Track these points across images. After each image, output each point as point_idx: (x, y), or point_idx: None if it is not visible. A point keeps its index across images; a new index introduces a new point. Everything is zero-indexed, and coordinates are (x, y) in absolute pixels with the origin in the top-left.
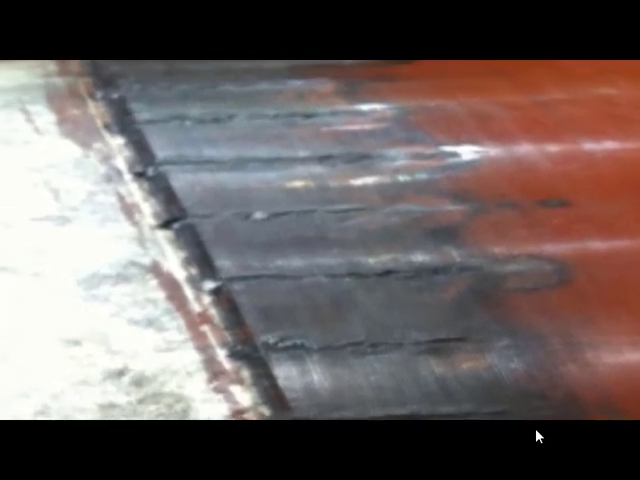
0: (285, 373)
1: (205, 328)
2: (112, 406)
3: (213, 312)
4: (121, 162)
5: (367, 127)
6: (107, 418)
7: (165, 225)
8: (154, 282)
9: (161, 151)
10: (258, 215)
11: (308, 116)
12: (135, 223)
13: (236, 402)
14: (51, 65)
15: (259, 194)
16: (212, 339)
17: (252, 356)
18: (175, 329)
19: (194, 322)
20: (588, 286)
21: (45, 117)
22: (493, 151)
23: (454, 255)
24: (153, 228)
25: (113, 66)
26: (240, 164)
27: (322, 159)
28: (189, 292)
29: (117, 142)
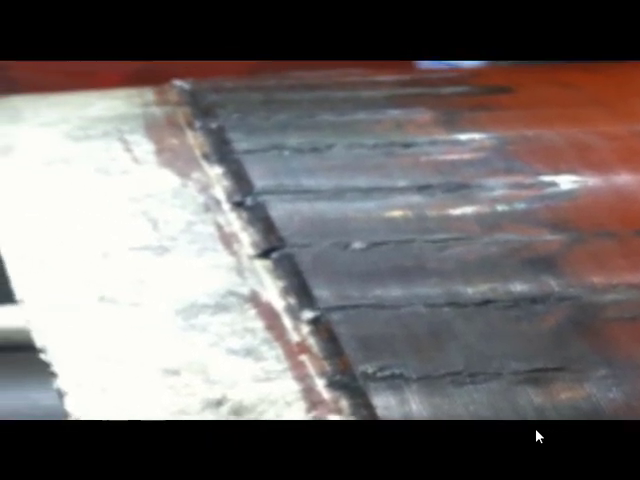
0: (384, 403)
1: (304, 358)
2: None
3: (312, 342)
4: (220, 192)
5: (466, 156)
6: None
7: (264, 255)
8: (253, 312)
9: (260, 181)
10: (357, 245)
11: (407, 145)
12: (233, 253)
13: None
14: (149, 94)
15: (358, 224)
16: (311, 369)
17: (351, 386)
18: (274, 359)
19: (293, 352)
20: None
21: (143, 147)
22: (591, 181)
23: (552, 285)
24: (251, 258)
25: (211, 96)
26: (339, 194)
27: (421, 189)
28: (288, 322)
29: (216, 172)
